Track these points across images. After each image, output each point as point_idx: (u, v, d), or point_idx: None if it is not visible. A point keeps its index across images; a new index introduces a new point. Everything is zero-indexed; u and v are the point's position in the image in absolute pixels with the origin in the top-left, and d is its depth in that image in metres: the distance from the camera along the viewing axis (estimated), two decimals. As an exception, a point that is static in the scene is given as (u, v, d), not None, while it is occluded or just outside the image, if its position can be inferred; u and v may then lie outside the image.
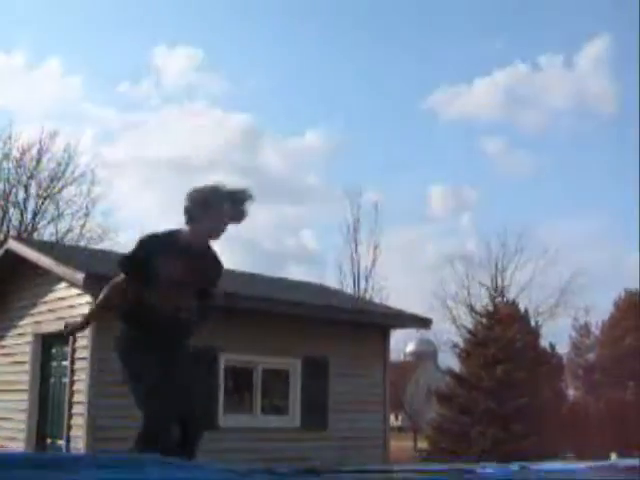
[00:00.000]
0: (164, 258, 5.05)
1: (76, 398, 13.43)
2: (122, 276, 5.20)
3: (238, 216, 5.18)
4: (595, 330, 42.85)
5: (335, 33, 72.76)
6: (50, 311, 14.78)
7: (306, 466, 4.32)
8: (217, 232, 5.18)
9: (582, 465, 5.06)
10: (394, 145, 72.82)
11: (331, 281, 38.71)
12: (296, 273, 73.74)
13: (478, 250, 44.73)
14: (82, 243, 32.99)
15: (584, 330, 43.01)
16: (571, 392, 41.17)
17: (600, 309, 50.84)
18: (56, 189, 34.96)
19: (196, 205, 5.06)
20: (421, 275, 74.28)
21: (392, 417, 39.05)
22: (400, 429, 51.57)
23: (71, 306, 14.06)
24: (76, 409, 13.37)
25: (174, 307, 5.12)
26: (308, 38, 73.76)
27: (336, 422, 15.83)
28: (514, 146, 73.45)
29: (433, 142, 72.01)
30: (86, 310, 13.41)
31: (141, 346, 5.14)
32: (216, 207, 5.05)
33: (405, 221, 75.63)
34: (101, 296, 5.31)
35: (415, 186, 72.12)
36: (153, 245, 5.12)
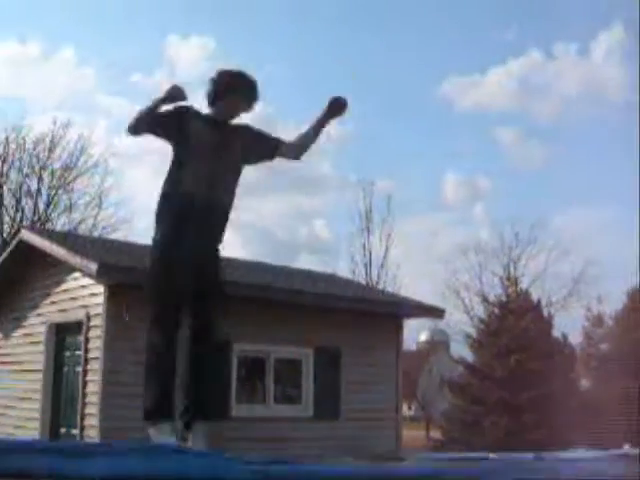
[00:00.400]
0: (197, 126, 5.17)
1: (89, 388, 13.49)
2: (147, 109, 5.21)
3: (251, 106, 5.38)
4: (608, 320, 42.67)
5: (349, 21, 72.44)
6: (63, 301, 14.84)
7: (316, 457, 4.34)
8: (232, 117, 5.33)
9: (595, 454, 5.07)
10: (408, 134, 72.63)
11: (344, 271, 38.67)
12: (309, 263, 73.93)
13: (491, 240, 44.51)
14: (95, 233, 33.06)
15: (597, 320, 42.79)
16: (584, 382, 41.06)
17: (613, 299, 50.66)
18: (69, 179, 35.06)
19: (217, 87, 5.24)
20: (434, 264, 74.34)
21: (405, 406, 39.09)
22: (412, 419, 51.58)
23: (84, 296, 14.12)
24: (89, 399, 13.43)
25: (209, 185, 5.08)
26: (321, 26, 73.49)
27: (349, 412, 15.85)
28: (528, 135, 73.10)
29: (447, 131, 71.74)
30: (100, 300, 13.48)
31: (172, 245, 5.03)
32: (233, 94, 5.26)
33: (418, 210, 75.36)
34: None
35: (429, 175, 71.92)
36: (192, 110, 5.24)
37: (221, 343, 5.22)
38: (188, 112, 5.19)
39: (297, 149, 5.43)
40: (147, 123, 5.18)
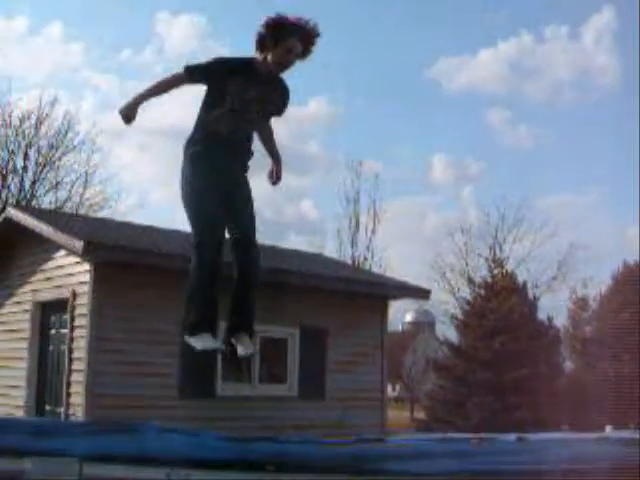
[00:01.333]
0: (234, 80, 5.04)
1: (75, 366, 13.48)
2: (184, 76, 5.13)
3: (305, 53, 5.13)
4: (593, 303, 42.87)
5: (338, 3, 72.31)
6: (49, 279, 14.81)
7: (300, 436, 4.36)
8: (284, 65, 5.12)
9: (577, 436, 5.10)
10: (397, 115, 72.63)
11: (331, 251, 38.67)
12: (296, 243, 73.69)
13: (478, 221, 44.54)
14: (81, 211, 32.95)
15: (582, 303, 42.99)
16: (568, 365, 41.27)
17: (598, 282, 50.86)
18: (55, 157, 34.89)
19: (268, 33, 5.01)
20: (421, 246, 74.42)
21: (389, 387, 39.24)
22: (397, 399, 51.80)
23: (70, 274, 14.09)
24: (75, 377, 13.42)
25: (237, 130, 5.13)
26: (311, 7, 73.26)
27: (334, 391, 15.89)
28: (517, 118, 73.24)
29: (437, 112, 71.73)
30: (86, 278, 13.46)
31: (203, 160, 5.09)
32: (286, 39, 4.99)
33: (406, 191, 75.65)
34: (156, 82, 5.24)
35: (417, 156, 71.98)
36: (226, 64, 5.11)
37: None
38: (227, 66, 5.09)
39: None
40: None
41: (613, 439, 5.13)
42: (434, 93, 70.42)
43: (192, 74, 5.08)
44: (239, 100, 5.04)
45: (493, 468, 3.66)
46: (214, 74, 5.05)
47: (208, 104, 5.14)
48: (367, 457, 3.70)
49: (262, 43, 5.03)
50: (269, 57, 5.02)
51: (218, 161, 5.07)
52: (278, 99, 5.30)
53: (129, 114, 5.17)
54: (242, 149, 5.26)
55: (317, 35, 5.09)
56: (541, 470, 3.67)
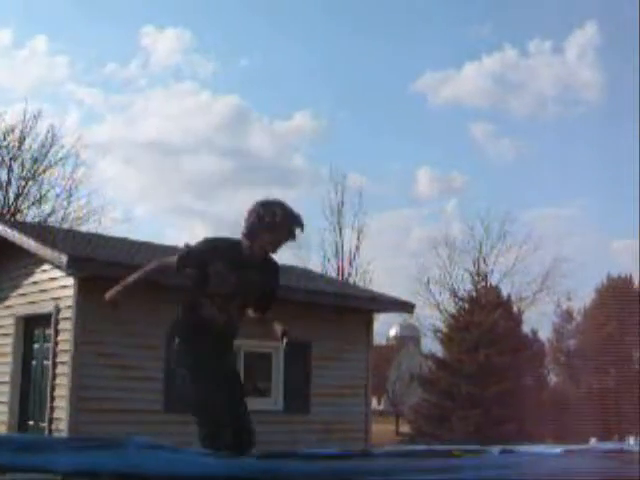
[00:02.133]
0: (227, 267, 5.20)
1: (58, 381, 13.41)
2: (175, 263, 5.35)
3: (292, 239, 5.38)
4: (577, 316, 43.04)
5: (325, 17, 72.46)
6: (32, 293, 14.74)
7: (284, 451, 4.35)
8: (274, 250, 5.35)
9: (561, 449, 5.10)
10: (382, 128, 72.69)
11: (315, 265, 38.67)
12: (280, 256, 73.67)
13: (462, 235, 44.61)
14: (65, 225, 32.83)
15: (566, 316, 43.16)
16: (552, 378, 41.42)
17: (582, 295, 51.04)
18: (39, 170, 34.78)
19: (262, 223, 5.20)
20: (405, 259, 74.53)
21: (374, 401, 39.19)
22: (382, 413, 51.72)
23: (54, 288, 14.03)
24: (58, 391, 13.35)
25: (227, 317, 5.35)
26: (297, 21, 73.49)
27: (319, 406, 15.86)
28: (501, 132, 73.52)
29: (421, 126, 71.91)
30: (71, 292, 13.41)
31: (199, 343, 5.31)
32: (280, 230, 5.24)
33: (391, 205, 75.69)
34: (148, 268, 5.49)
35: (402, 170, 71.97)
36: (218, 250, 5.25)
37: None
38: (213, 251, 5.27)
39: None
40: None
41: (597, 451, 5.14)
42: (419, 107, 70.59)
43: (185, 263, 5.35)
44: (221, 282, 5.20)
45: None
46: (202, 259, 5.26)
47: (196, 284, 5.32)
48: (351, 472, 3.70)
49: (251, 230, 5.25)
50: (255, 244, 5.24)
51: (216, 351, 5.34)
52: (271, 283, 5.52)
53: (114, 300, 5.58)
54: (232, 338, 5.59)
55: (301, 228, 5.35)
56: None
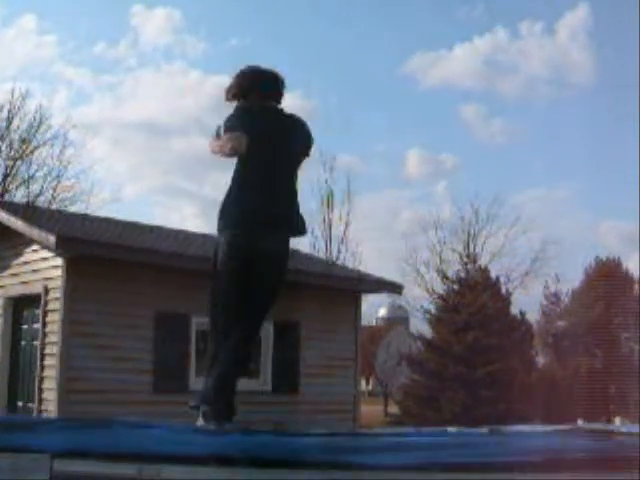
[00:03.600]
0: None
1: (47, 361, 13.41)
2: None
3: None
4: (565, 298, 43.17)
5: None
6: (21, 274, 14.71)
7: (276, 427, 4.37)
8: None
9: (548, 429, 5.13)
10: (372, 109, 72.48)
11: (304, 246, 38.57)
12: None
13: (451, 216, 44.58)
14: (54, 206, 32.72)
15: (554, 298, 43.28)
16: (540, 359, 41.54)
17: (571, 277, 51.18)
18: (28, 151, 34.62)
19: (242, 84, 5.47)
20: (395, 240, 74.58)
21: (363, 382, 39.30)
22: (370, 393, 51.90)
23: (43, 269, 14.00)
24: (47, 372, 13.35)
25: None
26: (285, 2, 73.09)
27: (307, 386, 15.90)
28: (492, 113, 73.50)
29: (411, 107, 71.71)
30: (59, 273, 13.38)
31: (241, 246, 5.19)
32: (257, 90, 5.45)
33: (381, 186, 75.53)
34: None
35: (392, 151, 71.86)
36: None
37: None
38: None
39: None
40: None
41: (583, 431, 5.17)
42: (409, 88, 70.40)
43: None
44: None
45: (465, 460, 3.68)
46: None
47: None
48: (339, 450, 3.71)
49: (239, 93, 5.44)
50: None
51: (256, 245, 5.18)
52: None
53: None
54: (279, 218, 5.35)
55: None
56: (512, 462, 3.69)
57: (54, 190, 34.78)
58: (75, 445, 3.41)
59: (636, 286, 39.35)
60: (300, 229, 5.60)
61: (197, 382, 14.41)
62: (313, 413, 15.12)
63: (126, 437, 3.56)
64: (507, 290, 37.86)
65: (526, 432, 5.29)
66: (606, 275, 38.64)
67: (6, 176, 34.14)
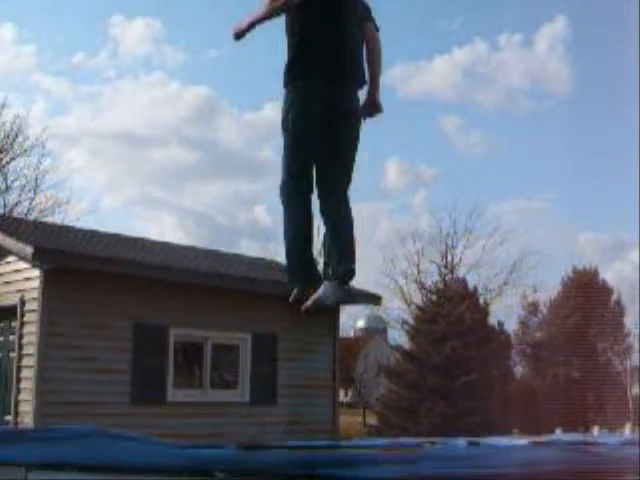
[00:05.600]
0: None
1: (24, 373, 13.31)
2: None
3: None
4: (543, 308, 43.34)
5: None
6: (-3, 285, 14.62)
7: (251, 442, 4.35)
8: None
9: (527, 440, 5.13)
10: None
11: (283, 257, 38.56)
12: (249, 248, 73.50)
13: (429, 227, 44.65)
14: (31, 216, 32.56)
15: (532, 308, 43.43)
16: (519, 369, 41.70)
17: (548, 287, 51.39)
18: (4, 161, 34.45)
19: None
20: (373, 251, 74.44)
21: (341, 393, 39.22)
22: (349, 405, 51.82)
23: (19, 280, 13.92)
24: (24, 384, 13.26)
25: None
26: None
27: (286, 397, 15.87)
28: (471, 125, 73.72)
29: (390, 118, 71.76)
30: (36, 284, 13.31)
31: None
32: None
33: (359, 197, 75.60)
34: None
35: (371, 162, 71.90)
36: None
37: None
38: None
39: None
40: None
41: (562, 442, 5.17)
42: (389, 99, 70.46)
43: None
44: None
45: (444, 473, 3.67)
46: None
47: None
48: (317, 463, 3.70)
49: None
50: None
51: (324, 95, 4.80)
52: None
53: (240, 33, 4.92)
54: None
55: None
56: (492, 475, 3.69)
57: (31, 201, 34.63)
58: (52, 457, 3.38)
59: (613, 296, 39.63)
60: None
61: (175, 394, 14.38)
62: (291, 425, 15.10)
63: (103, 449, 3.53)
64: (485, 300, 38.00)
65: (505, 445, 5.29)
66: (583, 285, 38.87)
67: (-18, 187, 33.95)
